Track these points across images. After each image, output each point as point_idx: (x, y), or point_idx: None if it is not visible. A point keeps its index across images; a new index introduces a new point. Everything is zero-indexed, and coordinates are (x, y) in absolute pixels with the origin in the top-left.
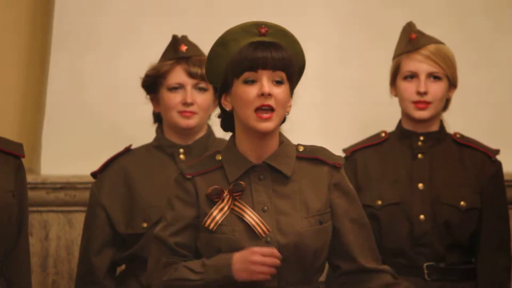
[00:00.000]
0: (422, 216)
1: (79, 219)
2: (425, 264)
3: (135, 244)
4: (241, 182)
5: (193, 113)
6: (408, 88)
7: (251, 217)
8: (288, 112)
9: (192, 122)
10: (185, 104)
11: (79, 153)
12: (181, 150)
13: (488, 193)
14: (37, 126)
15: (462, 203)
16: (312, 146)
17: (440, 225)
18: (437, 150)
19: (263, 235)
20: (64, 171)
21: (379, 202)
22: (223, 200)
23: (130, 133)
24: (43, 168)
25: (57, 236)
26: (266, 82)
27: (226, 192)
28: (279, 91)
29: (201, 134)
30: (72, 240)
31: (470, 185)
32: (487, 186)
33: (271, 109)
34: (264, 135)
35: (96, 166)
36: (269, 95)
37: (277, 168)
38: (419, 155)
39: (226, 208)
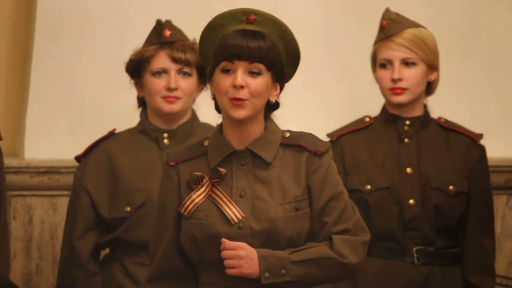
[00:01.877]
0: (411, 201)
1: (63, 203)
2: (414, 248)
3: (119, 228)
4: (221, 169)
5: (177, 98)
6: (384, 76)
7: (225, 203)
8: (273, 101)
9: (176, 107)
10: (169, 89)
11: (63, 137)
12: (165, 135)
13: (474, 177)
14: (21, 110)
15: (450, 187)
16: (299, 132)
17: (429, 209)
18: (423, 134)
19: (236, 220)
20: (48, 155)
21: (368, 187)
22: (202, 186)
23: (115, 117)
24: (26, 152)
25: (40, 220)
26: (240, 73)
27: (206, 178)
28: (255, 83)
29: (185, 118)
30: (56, 224)
31: (457, 169)
32: (473, 170)
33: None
34: (241, 122)
35: (80, 150)
36: (242, 87)
37: (257, 153)
38: (406, 139)
39: (203, 194)
